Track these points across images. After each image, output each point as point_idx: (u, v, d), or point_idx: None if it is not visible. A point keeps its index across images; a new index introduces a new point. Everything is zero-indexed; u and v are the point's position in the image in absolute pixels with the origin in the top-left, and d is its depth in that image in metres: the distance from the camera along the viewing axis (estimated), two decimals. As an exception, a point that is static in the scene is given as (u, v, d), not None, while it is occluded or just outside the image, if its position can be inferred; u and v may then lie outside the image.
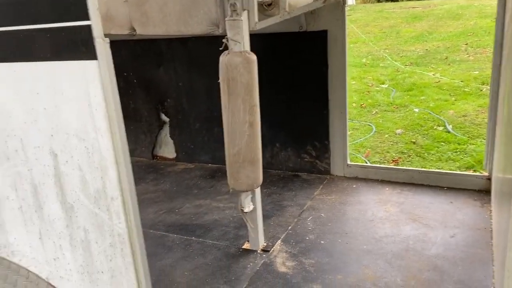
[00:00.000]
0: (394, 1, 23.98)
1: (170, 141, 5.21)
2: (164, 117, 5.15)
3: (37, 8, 1.55)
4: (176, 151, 5.20)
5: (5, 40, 1.67)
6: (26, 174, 1.81)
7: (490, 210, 3.44)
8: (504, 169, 2.57)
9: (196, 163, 5.06)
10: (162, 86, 5.04)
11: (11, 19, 1.62)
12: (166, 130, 5.19)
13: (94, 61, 1.52)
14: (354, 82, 8.69)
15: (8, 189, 1.87)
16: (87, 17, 1.47)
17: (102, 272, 1.80)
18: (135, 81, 5.14)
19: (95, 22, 1.48)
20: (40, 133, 1.72)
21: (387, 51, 11.41)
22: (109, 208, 1.69)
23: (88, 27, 1.48)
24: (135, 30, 3.93)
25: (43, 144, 1.73)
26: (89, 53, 1.51)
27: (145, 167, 5.10)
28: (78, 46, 1.53)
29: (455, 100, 7.01)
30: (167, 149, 5.28)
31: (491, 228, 3.21)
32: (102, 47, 1.51)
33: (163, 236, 3.53)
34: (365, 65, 10.29)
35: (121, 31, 3.61)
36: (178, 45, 4.79)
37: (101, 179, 1.67)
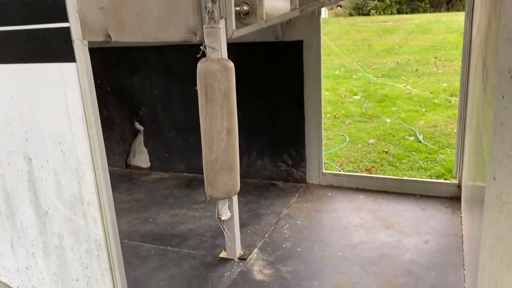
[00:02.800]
0: (366, 15, 24.62)
1: (145, 150, 5.15)
2: (138, 126, 5.09)
3: (14, 10, 1.52)
4: (151, 160, 5.14)
5: (-22, 41, 1.63)
6: (-2, 180, 1.75)
7: (461, 217, 3.54)
8: (474, 177, 2.65)
9: (171, 172, 5.01)
10: (137, 94, 4.99)
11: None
12: (140, 139, 5.13)
13: (72, 64, 1.50)
14: (327, 93, 8.82)
15: (-22, 195, 1.80)
16: (66, 19, 1.45)
17: (77, 279, 1.75)
18: (108, 89, 5.07)
19: (74, 24, 1.46)
20: (13, 137, 1.67)
21: (359, 63, 11.66)
22: (85, 213, 1.66)
23: (67, 29, 1.46)
24: (110, 37, 3.89)
25: (17, 148, 1.69)
26: (67, 56, 1.49)
27: (118, 177, 5.01)
28: (56, 48, 1.50)
29: (426, 111, 7.21)
30: (141, 158, 5.21)
31: (461, 234, 3.30)
32: (81, 49, 1.49)
33: (138, 246, 3.47)
34: (338, 76, 10.48)
35: (96, 38, 3.57)
36: (154, 53, 4.76)
37: (77, 184, 1.64)
